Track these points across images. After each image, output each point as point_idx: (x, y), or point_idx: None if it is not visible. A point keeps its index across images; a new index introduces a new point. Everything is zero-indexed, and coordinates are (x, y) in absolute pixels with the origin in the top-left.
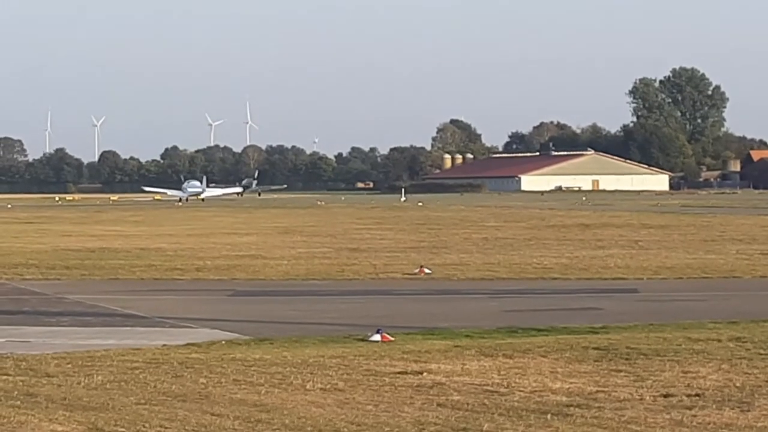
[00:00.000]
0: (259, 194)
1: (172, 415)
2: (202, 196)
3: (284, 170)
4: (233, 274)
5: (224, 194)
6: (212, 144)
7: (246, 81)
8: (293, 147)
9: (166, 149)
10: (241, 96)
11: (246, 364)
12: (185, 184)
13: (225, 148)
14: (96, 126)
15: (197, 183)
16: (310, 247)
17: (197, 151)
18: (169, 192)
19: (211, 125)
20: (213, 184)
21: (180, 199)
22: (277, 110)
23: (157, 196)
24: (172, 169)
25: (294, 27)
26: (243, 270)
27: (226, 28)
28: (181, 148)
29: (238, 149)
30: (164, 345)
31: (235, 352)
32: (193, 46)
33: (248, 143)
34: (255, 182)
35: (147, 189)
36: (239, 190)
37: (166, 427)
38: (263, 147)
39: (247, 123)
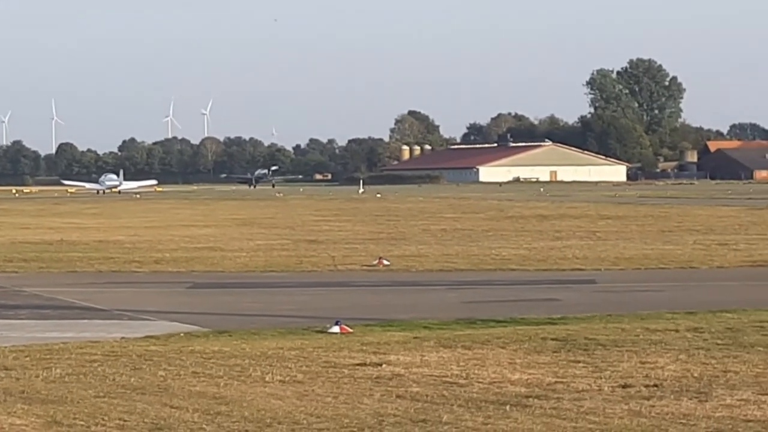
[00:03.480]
0: (274, 185)
1: (131, 407)
2: (119, 188)
3: (242, 162)
4: (192, 267)
5: (139, 187)
6: (170, 136)
7: (204, 73)
8: (251, 139)
9: (124, 141)
10: (199, 88)
11: (205, 357)
12: (102, 177)
13: (183, 140)
14: (54, 119)
15: (114, 176)
16: (268, 239)
17: (155, 143)
18: (87, 185)
19: (168, 117)
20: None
21: (97, 192)
22: (235, 102)
23: (73, 189)
24: (130, 161)
25: (252, 19)
26: (201, 262)
27: (183, 20)
28: (138, 140)
29: (196, 141)
30: (123, 338)
31: (194, 344)
32: (151, 38)
33: (206, 135)
34: (269, 173)
35: (66, 182)
36: (154, 182)
37: (125, 420)
38: (221, 139)
39: (205, 114)
